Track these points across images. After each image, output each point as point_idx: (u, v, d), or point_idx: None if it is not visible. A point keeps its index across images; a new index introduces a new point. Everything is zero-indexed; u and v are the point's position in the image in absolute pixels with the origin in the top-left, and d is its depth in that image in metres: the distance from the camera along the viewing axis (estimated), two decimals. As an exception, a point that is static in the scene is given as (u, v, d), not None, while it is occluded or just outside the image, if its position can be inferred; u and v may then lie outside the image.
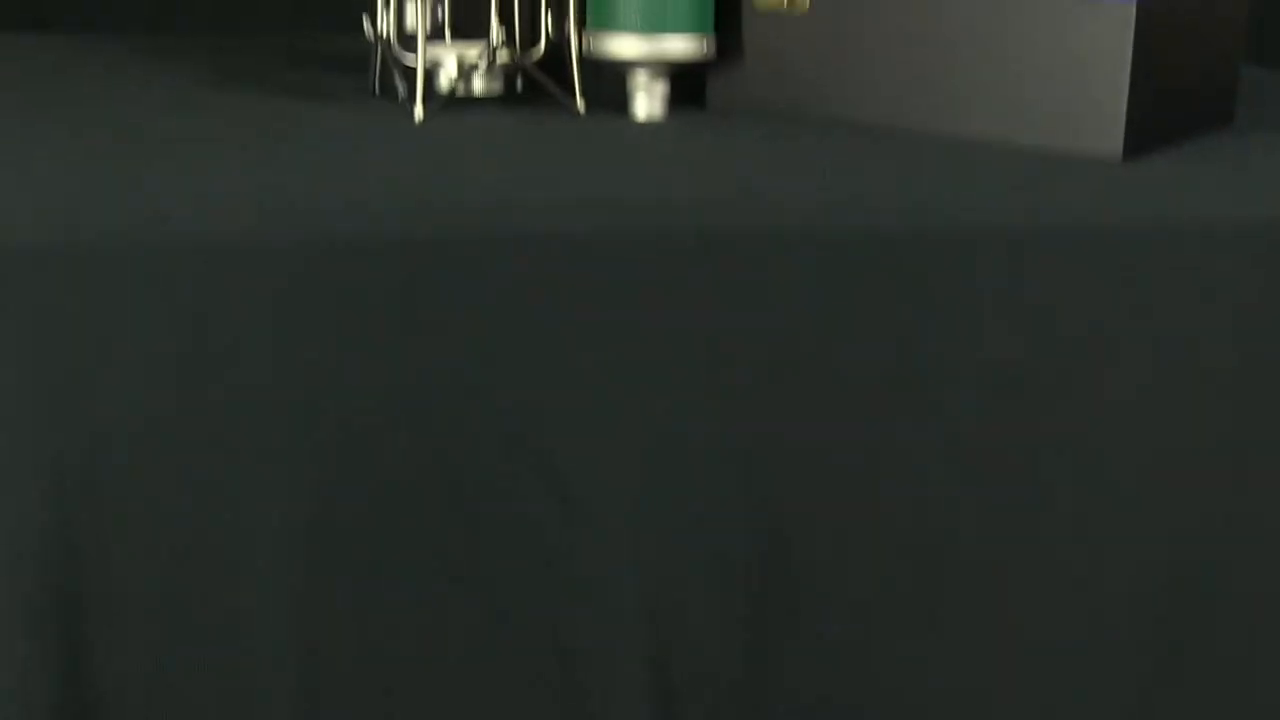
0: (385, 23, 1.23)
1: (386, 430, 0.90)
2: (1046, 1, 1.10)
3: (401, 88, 1.21)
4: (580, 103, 1.22)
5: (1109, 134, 1.09)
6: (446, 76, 1.22)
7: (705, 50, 1.20)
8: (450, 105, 1.21)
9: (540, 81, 1.22)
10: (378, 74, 1.26)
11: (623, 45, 1.18)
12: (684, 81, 1.22)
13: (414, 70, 1.19)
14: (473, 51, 1.22)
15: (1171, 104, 1.15)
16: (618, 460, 0.92)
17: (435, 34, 1.26)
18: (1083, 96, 1.09)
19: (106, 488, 0.87)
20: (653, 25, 1.17)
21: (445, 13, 1.25)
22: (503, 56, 1.22)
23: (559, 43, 1.23)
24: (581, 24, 1.21)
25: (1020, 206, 1.00)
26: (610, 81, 1.22)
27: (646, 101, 1.20)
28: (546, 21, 1.23)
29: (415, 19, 1.19)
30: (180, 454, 0.87)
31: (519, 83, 1.26)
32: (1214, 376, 0.99)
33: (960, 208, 0.99)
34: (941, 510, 0.96)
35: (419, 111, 1.18)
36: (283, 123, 1.17)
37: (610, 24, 1.18)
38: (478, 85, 1.23)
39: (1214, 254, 0.99)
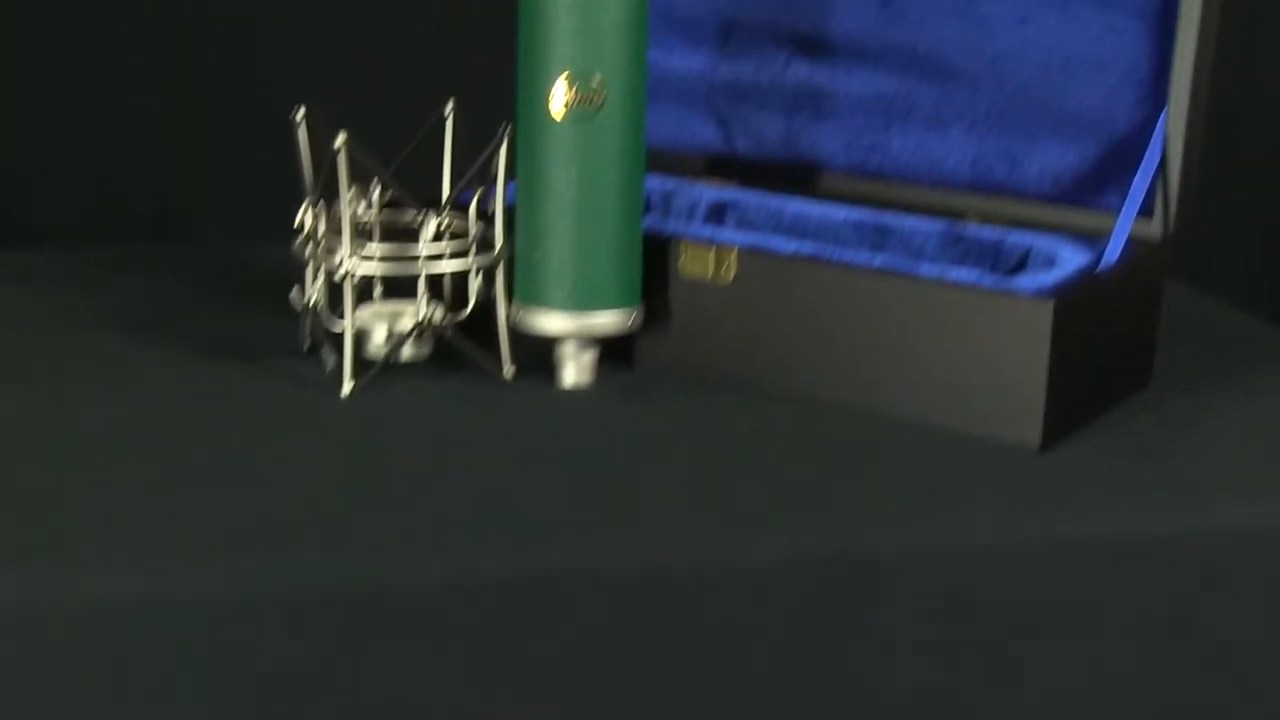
0: (313, 290, 1.24)
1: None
2: (966, 292, 1.12)
3: (330, 359, 1.22)
4: (509, 369, 1.23)
5: (1027, 425, 1.10)
6: (375, 344, 1.23)
7: (632, 322, 1.21)
8: (380, 368, 1.22)
9: (467, 351, 1.22)
10: (308, 331, 1.27)
11: (550, 321, 1.19)
12: (613, 340, 1.24)
13: (342, 338, 1.20)
14: (403, 321, 1.23)
15: (1089, 386, 1.16)
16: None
17: (364, 293, 1.27)
18: (1001, 388, 1.11)
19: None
20: (580, 304, 1.18)
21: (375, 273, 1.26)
22: (432, 321, 1.23)
23: (487, 303, 1.24)
24: (509, 292, 1.22)
25: (934, 524, 1.01)
26: (538, 340, 1.22)
27: (574, 371, 1.21)
28: (476, 283, 1.24)
29: (343, 292, 1.20)
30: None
31: (449, 333, 1.27)
32: (1122, 687, 1.01)
33: (877, 526, 1.00)
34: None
35: (346, 388, 1.18)
36: (200, 407, 1.17)
37: (537, 300, 1.19)
38: (406, 351, 1.24)
39: (1119, 567, 1.01)
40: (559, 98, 1.15)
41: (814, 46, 1.35)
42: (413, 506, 1.01)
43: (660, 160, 1.41)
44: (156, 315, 1.37)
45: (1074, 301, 1.11)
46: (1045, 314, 1.09)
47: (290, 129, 1.22)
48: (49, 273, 1.50)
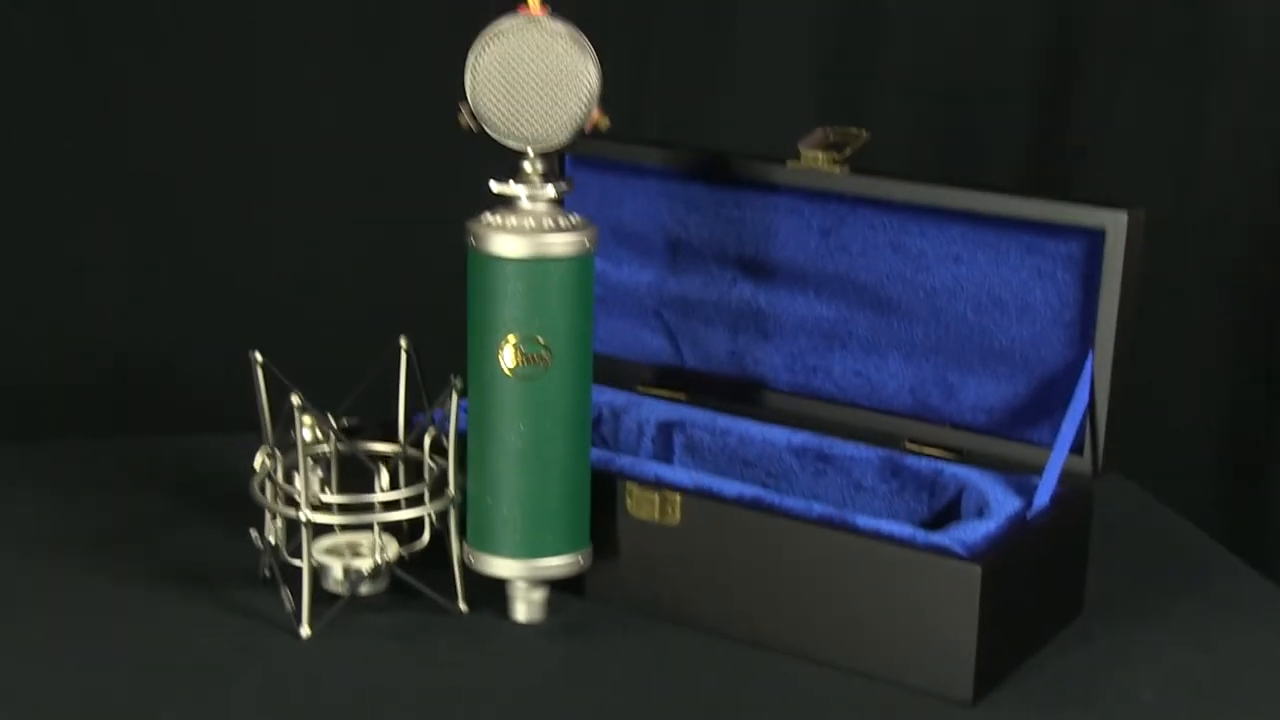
0: (271, 529, 1.28)
1: None
2: (899, 548, 1.16)
3: (288, 599, 1.26)
4: (463, 606, 1.27)
5: (958, 679, 1.15)
6: (334, 579, 1.27)
7: (581, 564, 1.25)
8: (338, 611, 1.25)
9: (421, 589, 1.26)
10: (266, 564, 1.30)
11: (501, 566, 1.23)
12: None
13: (300, 572, 1.24)
14: (360, 559, 1.27)
15: (1021, 632, 1.21)
16: None
17: (323, 527, 1.31)
18: (932, 642, 1.15)
19: None
20: (530, 550, 1.22)
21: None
22: (388, 554, 1.27)
23: (442, 533, 1.29)
24: (462, 532, 1.26)
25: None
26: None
27: (525, 609, 1.25)
28: (430, 517, 1.28)
29: (302, 538, 1.24)
30: None
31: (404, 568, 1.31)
32: None
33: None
34: None
35: (305, 630, 1.22)
36: (154, 649, 1.21)
37: (488, 546, 1.23)
38: (364, 587, 1.28)
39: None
40: (507, 358, 1.19)
41: (758, 269, 1.39)
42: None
43: (610, 368, 1.46)
44: (110, 530, 1.40)
45: (1003, 559, 1.16)
46: (974, 576, 1.13)
47: (250, 368, 1.26)
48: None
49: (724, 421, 1.40)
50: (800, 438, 1.37)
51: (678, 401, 1.44)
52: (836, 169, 1.33)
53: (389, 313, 1.64)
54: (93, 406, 1.81)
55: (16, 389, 1.80)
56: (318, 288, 1.88)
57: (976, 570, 1.13)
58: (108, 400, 1.81)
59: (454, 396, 1.25)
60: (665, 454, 1.41)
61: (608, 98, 1.19)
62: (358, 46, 1.84)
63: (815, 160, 1.34)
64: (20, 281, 1.82)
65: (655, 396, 1.45)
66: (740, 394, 1.43)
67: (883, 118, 1.92)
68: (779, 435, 1.37)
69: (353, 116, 1.85)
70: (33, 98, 1.78)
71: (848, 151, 1.33)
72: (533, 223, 1.18)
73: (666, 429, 1.41)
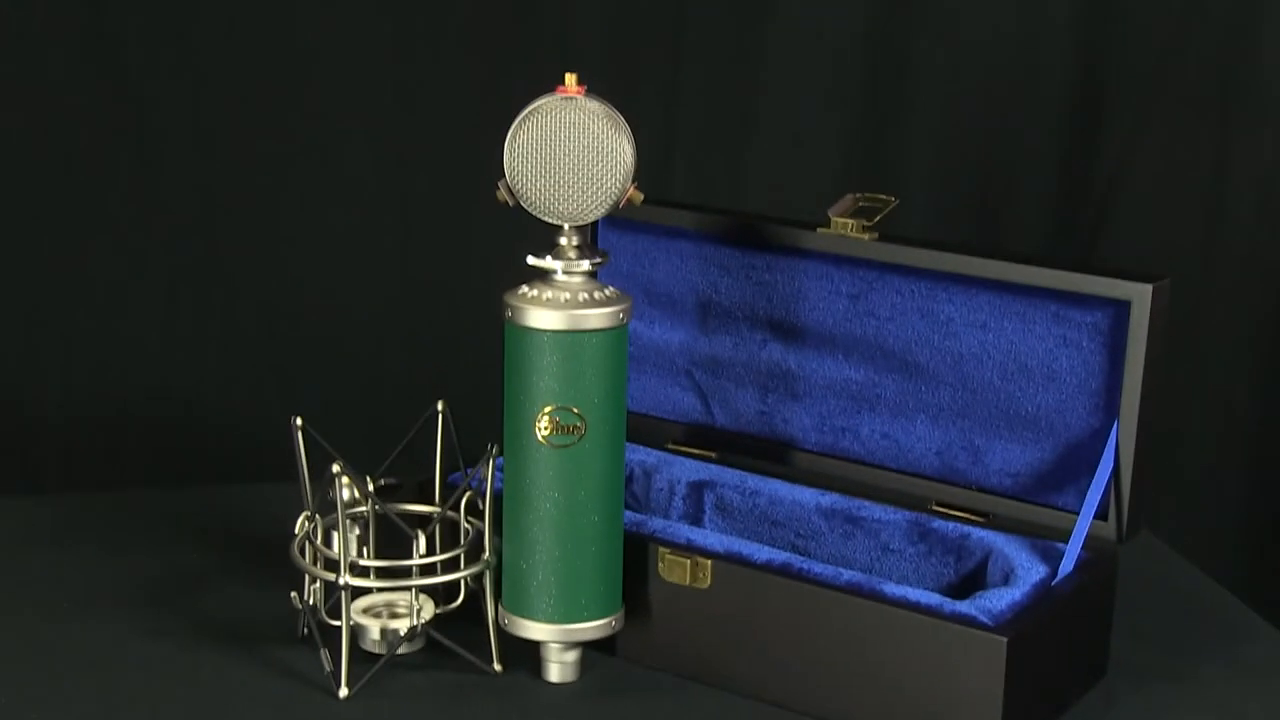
0: (310, 592, 1.30)
1: None
2: (926, 617, 1.19)
3: (327, 660, 1.28)
4: (497, 666, 1.30)
5: (985, 748, 1.18)
6: (371, 638, 1.30)
7: (614, 626, 1.27)
8: (374, 659, 1.28)
9: (457, 651, 1.29)
10: (305, 622, 1.33)
11: (535, 630, 1.26)
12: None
13: (338, 633, 1.26)
14: (397, 620, 1.30)
15: (1045, 697, 1.23)
16: None
17: (360, 589, 1.34)
18: (959, 709, 1.17)
19: None
20: (564, 615, 1.25)
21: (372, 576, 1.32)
22: (424, 614, 1.29)
23: (478, 593, 1.31)
24: (497, 594, 1.29)
25: None
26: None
27: (558, 670, 1.28)
28: (466, 578, 1.31)
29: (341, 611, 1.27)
30: None
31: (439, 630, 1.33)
32: None
33: None
34: None
35: (343, 691, 1.25)
36: (192, 710, 1.23)
37: (523, 610, 1.26)
38: (401, 647, 1.30)
39: None
40: (543, 427, 1.22)
41: (788, 332, 1.42)
42: None
43: (642, 426, 1.49)
44: (146, 586, 1.43)
45: (1029, 628, 1.18)
46: (999, 647, 1.15)
47: (290, 432, 1.29)
48: (29, 526, 1.55)
49: (754, 482, 1.42)
50: (829, 499, 1.39)
51: (708, 460, 1.47)
52: (866, 236, 1.35)
53: (422, 377, 1.68)
54: (130, 457, 1.85)
55: (52, 443, 1.84)
56: (354, 348, 1.92)
57: (1002, 641, 1.15)
58: (143, 450, 1.85)
59: (490, 462, 1.27)
60: (695, 513, 1.44)
61: (640, 163, 1.21)
62: (401, 114, 1.88)
63: (845, 228, 1.36)
64: (57, 336, 1.86)
65: (686, 455, 1.48)
66: (769, 453, 1.45)
67: (907, 167, 1.94)
68: (808, 496, 1.40)
69: (394, 184, 1.90)
70: (70, 154, 1.82)
71: (877, 218, 1.35)
72: (568, 296, 1.21)
73: (697, 489, 1.43)
